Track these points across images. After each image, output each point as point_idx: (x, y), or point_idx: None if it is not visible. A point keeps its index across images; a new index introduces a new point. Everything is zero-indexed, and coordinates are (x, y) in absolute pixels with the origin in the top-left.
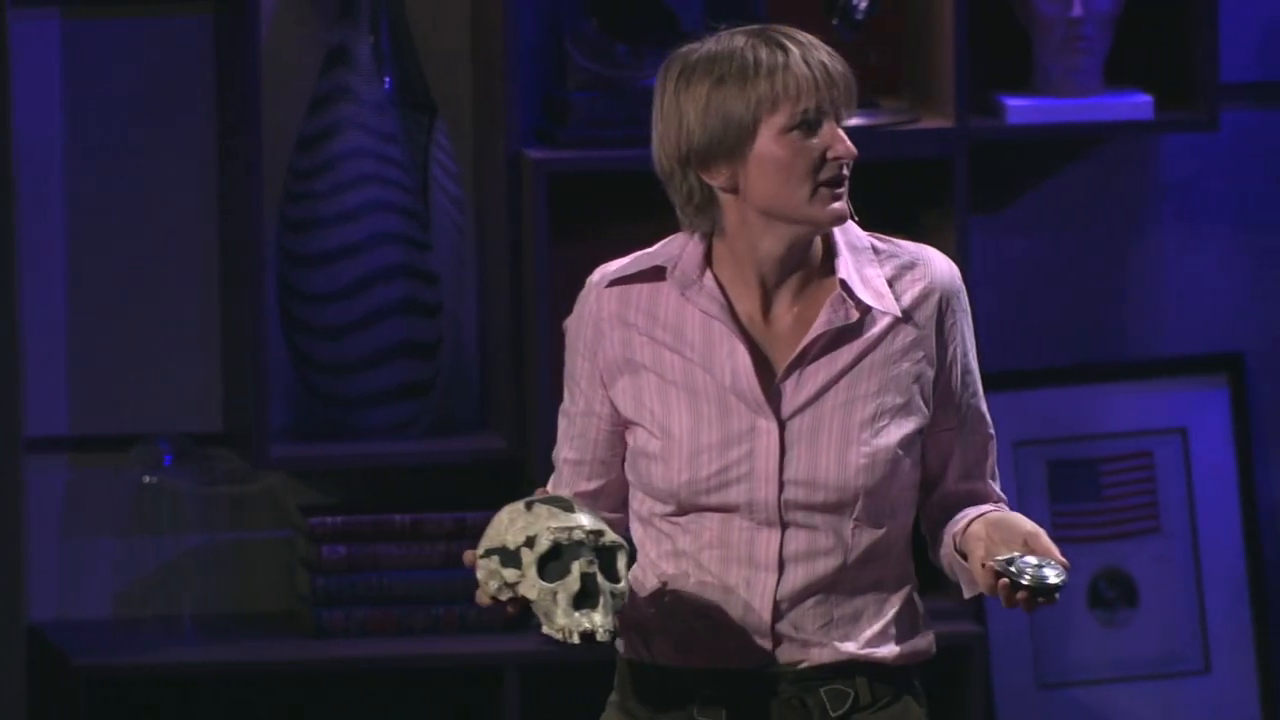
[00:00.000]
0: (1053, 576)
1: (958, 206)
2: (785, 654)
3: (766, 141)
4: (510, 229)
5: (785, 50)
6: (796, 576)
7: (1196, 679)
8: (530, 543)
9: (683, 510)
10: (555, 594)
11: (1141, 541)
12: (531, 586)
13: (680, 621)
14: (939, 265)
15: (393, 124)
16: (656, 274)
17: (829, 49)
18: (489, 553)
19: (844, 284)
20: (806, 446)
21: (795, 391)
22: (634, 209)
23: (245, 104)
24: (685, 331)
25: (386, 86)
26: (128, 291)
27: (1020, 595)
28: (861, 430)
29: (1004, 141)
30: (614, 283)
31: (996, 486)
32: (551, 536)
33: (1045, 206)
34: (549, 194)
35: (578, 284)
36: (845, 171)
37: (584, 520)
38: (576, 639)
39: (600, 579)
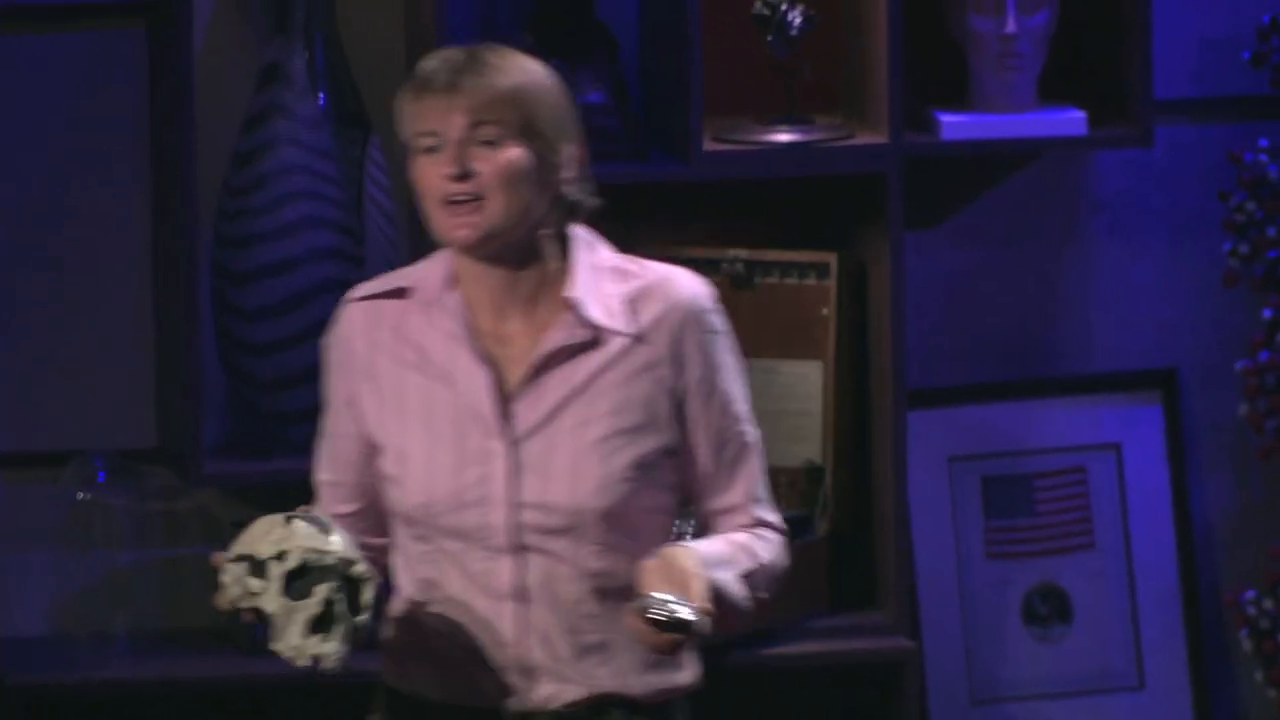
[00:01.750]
0: (679, 613)
1: (892, 222)
2: (540, 690)
3: (413, 161)
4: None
5: (446, 70)
6: (540, 605)
7: (1130, 695)
8: (281, 557)
9: (423, 536)
10: (294, 613)
11: (1075, 557)
12: (272, 600)
13: (431, 653)
14: (682, 286)
15: (327, 140)
16: (401, 293)
17: (521, 68)
18: (239, 559)
19: (573, 302)
20: (540, 469)
21: (529, 412)
22: None
23: (179, 120)
24: (429, 351)
25: (321, 102)
26: (62, 307)
27: (653, 632)
28: (594, 451)
29: (938, 157)
30: (362, 299)
31: (760, 510)
32: (302, 556)
33: (980, 222)
34: None
35: None
36: (465, 192)
37: (338, 546)
38: (304, 662)
39: (342, 608)
